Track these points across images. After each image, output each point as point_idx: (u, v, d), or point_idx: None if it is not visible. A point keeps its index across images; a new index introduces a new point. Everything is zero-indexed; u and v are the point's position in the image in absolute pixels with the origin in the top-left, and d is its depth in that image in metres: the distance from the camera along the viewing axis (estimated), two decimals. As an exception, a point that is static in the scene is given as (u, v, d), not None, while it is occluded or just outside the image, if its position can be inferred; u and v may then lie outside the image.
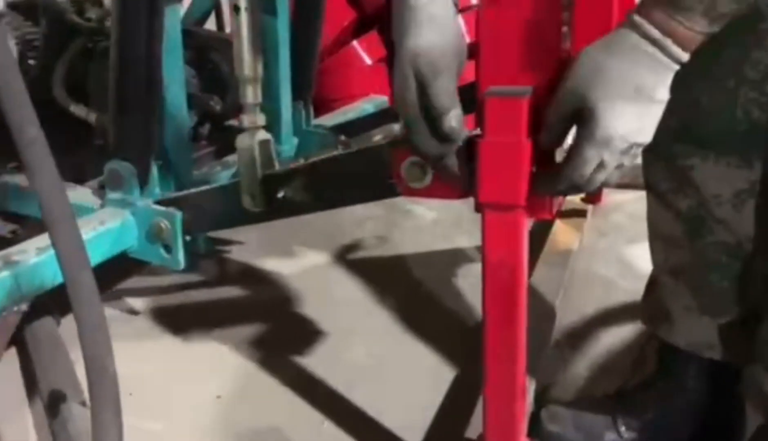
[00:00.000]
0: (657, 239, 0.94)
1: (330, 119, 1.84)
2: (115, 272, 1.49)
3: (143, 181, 1.11)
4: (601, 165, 0.63)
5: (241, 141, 0.95)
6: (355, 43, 2.42)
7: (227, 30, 1.85)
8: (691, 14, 0.60)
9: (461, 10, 2.51)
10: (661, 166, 0.87)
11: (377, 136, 1.45)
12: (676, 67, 0.63)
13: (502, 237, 0.73)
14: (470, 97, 1.30)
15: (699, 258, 0.87)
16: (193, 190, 1.11)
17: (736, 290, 0.87)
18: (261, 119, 0.96)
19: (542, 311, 1.28)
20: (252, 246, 1.72)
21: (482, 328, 0.79)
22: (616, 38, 0.63)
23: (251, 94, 0.93)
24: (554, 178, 0.67)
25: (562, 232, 1.62)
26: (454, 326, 1.36)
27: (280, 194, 0.96)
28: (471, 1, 2.32)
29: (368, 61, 2.44)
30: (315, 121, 1.75)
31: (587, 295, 1.46)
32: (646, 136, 0.64)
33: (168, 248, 1.10)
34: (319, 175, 0.90)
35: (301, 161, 1.22)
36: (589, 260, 1.61)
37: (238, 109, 1.52)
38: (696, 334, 0.91)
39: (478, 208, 0.73)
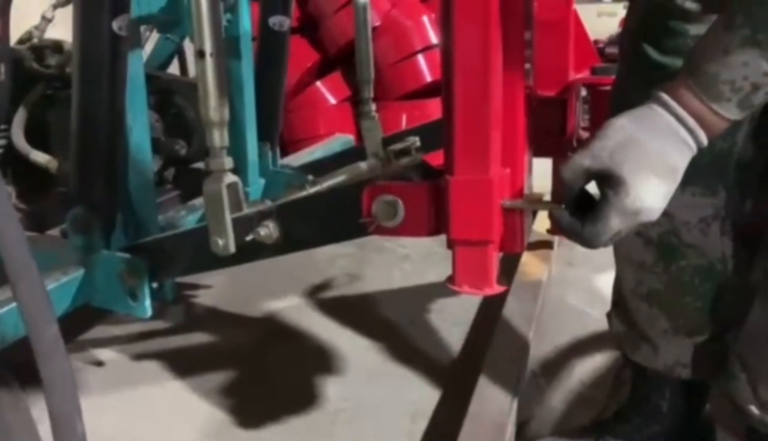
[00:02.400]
0: (627, 266, 0.96)
1: (296, 159, 1.84)
2: (78, 322, 1.44)
3: (107, 228, 1.08)
4: (617, 232, 0.63)
5: (208, 185, 0.94)
6: (318, 83, 2.45)
7: (190, 74, 1.85)
8: (727, 104, 0.61)
9: (422, 50, 2.55)
10: None
11: (344, 175, 1.45)
12: (696, 151, 0.64)
13: (474, 273, 0.73)
14: (438, 134, 1.32)
15: (673, 282, 0.89)
16: (159, 236, 1.08)
17: (709, 310, 0.90)
18: (228, 162, 0.95)
19: (516, 343, 1.28)
20: (220, 289, 1.69)
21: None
22: (648, 115, 0.63)
23: (218, 138, 0.92)
24: (571, 231, 0.66)
25: (530, 264, 1.63)
26: (429, 364, 1.35)
27: (249, 237, 0.95)
28: (431, 40, 2.39)
29: (332, 100, 2.46)
30: (281, 162, 1.75)
31: (559, 325, 1.47)
32: (659, 214, 0.64)
33: (134, 296, 1.06)
34: (288, 217, 0.89)
35: (268, 202, 1.22)
36: (559, 291, 1.63)
37: (203, 153, 1.53)
38: (672, 355, 0.93)
39: (450, 244, 0.73)
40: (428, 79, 2.36)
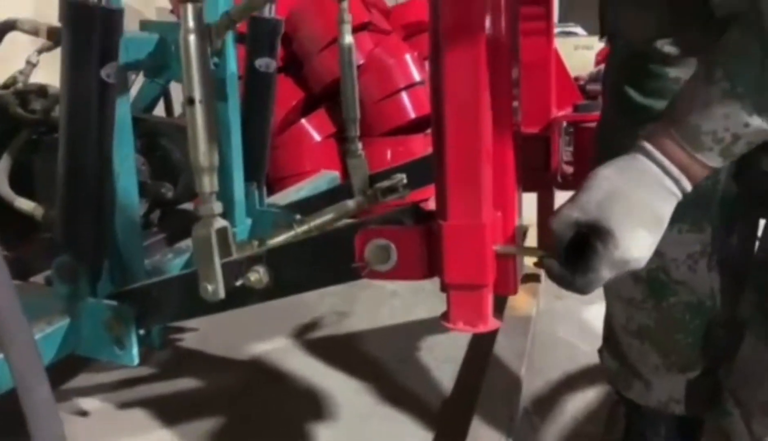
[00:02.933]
0: (617, 302, 0.96)
1: (283, 198, 1.85)
2: (61, 370, 1.41)
3: (94, 276, 1.07)
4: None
5: (198, 230, 0.93)
6: (303, 121, 2.47)
7: (176, 114, 1.86)
8: (709, 154, 0.63)
9: (406, 88, 2.58)
10: None
11: (332, 214, 1.45)
12: (681, 197, 0.65)
13: (468, 312, 0.73)
14: (422, 171, 1.33)
15: (664, 319, 0.90)
16: (147, 282, 1.07)
17: (700, 345, 0.90)
18: (218, 207, 0.94)
19: (508, 381, 1.27)
20: (206, 331, 1.66)
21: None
22: (633, 166, 0.65)
23: (207, 184, 0.92)
24: (562, 280, 0.67)
25: (519, 298, 1.63)
26: (422, 404, 1.34)
27: (239, 282, 0.94)
28: (414, 78, 2.42)
29: (317, 137, 2.48)
30: (268, 200, 1.74)
31: (550, 360, 1.47)
32: (646, 261, 0.65)
33: (121, 344, 1.05)
34: (279, 262, 0.89)
35: (255, 243, 1.21)
36: (548, 325, 1.63)
37: (189, 194, 1.53)
38: (665, 392, 0.93)
39: (444, 287, 0.73)
40: (412, 115, 2.39)
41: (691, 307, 0.88)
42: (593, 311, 1.63)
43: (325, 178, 2.11)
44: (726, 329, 0.89)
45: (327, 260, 0.85)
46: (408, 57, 2.44)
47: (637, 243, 0.63)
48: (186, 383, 1.45)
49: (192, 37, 0.86)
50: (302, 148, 2.44)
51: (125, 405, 1.36)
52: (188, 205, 1.57)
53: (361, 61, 2.33)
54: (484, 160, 0.68)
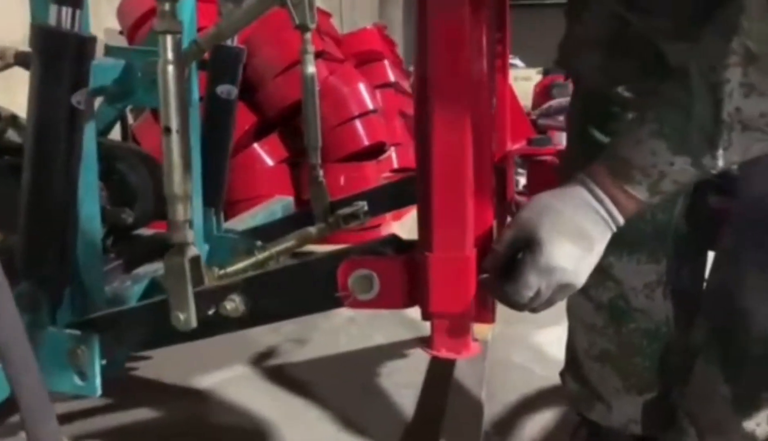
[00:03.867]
0: (579, 327, 1.02)
1: (240, 223, 1.83)
2: (12, 402, 1.34)
3: (55, 304, 1.04)
4: (537, 293, 0.70)
5: (171, 258, 0.92)
6: (256, 145, 2.46)
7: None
8: (638, 187, 0.69)
9: (359, 115, 2.62)
10: None
11: (293, 241, 1.45)
12: (614, 228, 0.71)
13: (451, 339, 0.77)
14: (381, 199, 1.35)
15: (624, 344, 0.96)
16: (113, 310, 1.05)
17: (657, 369, 0.96)
18: (191, 235, 0.94)
19: (470, 405, 1.30)
20: (160, 360, 1.62)
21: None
22: (567, 190, 0.71)
23: (181, 212, 0.92)
24: (495, 291, 0.72)
25: (475, 324, 1.68)
26: (384, 432, 1.34)
27: (211, 311, 0.94)
28: (367, 106, 2.47)
29: (270, 162, 2.48)
30: (225, 225, 1.73)
31: (507, 384, 1.51)
32: (580, 280, 0.71)
33: (83, 375, 1.02)
34: (258, 291, 0.89)
35: (216, 270, 1.20)
36: (503, 349, 1.68)
37: (146, 220, 1.50)
38: (625, 413, 0.99)
39: (426, 316, 0.76)
40: (365, 142, 2.43)
41: (649, 333, 0.94)
42: (546, 336, 1.69)
43: (280, 204, 2.10)
44: (680, 355, 0.95)
45: (310, 289, 0.86)
46: (361, 85, 2.49)
47: (561, 252, 0.68)
48: (140, 414, 1.41)
49: (170, 68, 0.86)
50: (255, 173, 2.44)
51: (78, 438, 1.31)
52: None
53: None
54: (468, 194, 0.72)
